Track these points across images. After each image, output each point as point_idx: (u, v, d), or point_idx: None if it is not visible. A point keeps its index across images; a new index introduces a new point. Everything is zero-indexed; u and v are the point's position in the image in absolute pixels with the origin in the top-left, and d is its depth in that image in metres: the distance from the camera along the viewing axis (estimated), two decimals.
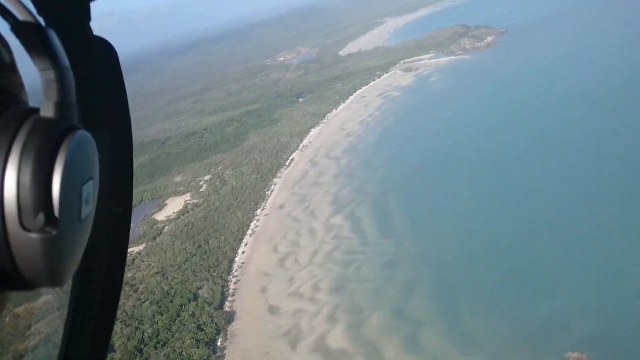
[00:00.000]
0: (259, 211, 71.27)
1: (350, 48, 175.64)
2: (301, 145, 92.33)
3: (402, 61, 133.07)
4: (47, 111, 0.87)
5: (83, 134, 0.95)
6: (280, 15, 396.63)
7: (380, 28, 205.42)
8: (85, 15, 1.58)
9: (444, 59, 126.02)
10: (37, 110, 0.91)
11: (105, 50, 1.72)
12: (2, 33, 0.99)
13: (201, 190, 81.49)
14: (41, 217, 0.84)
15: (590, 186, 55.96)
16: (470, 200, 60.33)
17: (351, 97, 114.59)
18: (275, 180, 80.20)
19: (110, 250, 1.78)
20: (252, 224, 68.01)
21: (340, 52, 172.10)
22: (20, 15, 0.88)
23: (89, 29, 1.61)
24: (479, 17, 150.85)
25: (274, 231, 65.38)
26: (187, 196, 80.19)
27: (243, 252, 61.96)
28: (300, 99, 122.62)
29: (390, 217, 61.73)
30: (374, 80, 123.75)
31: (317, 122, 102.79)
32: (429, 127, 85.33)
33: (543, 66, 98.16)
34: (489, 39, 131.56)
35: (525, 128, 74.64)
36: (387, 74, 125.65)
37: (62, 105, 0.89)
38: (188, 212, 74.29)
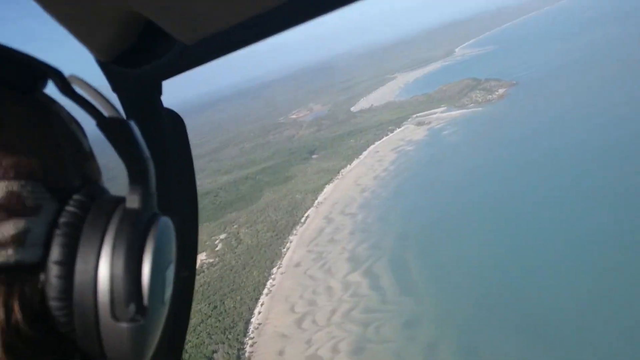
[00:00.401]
0: (275, 270, 70.36)
1: (362, 104, 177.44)
2: (316, 202, 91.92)
3: (414, 115, 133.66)
4: (133, 202, 0.93)
5: (165, 220, 1.00)
6: (291, 74, 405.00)
7: (391, 84, 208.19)
8: (157, 90, 1.65)
9: (456, 112, 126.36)
10: (121, 199, 0.95)
11: (175, 123, 1.77)
12: (79, 120, 1.03)
13: (217, 249, 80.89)
14: (132, 307, 0.89)
15: (617, 240, 54.56)
16: (490, 255, 59.04)
17: (365, 153, 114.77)
18: (290, 237, 79.56)
19: (176, 312, 1.80)
20: (268, 283, 67.00)
21: (352, 108, 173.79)
22: (105, 111, 0.93)
23: (160, 104, 1.68)
24: (489, 70, 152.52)
25: (291, 290, 64.27)
26: (203, 255, 79.50)
27: (259, 313, 60.76)
28: (314, 156, 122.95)
29: (409, 273, 60.47)
30: (387, 135, 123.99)
31: (332, 178, 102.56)
32: (444, 181, 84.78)
33: (558, 118, 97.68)
34: (501, 91, 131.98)
35: (543, 180, 73.69)
36: (400, 129, 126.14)
37: (145, 195, 0.95)
38: (204, 271, 73.47)
